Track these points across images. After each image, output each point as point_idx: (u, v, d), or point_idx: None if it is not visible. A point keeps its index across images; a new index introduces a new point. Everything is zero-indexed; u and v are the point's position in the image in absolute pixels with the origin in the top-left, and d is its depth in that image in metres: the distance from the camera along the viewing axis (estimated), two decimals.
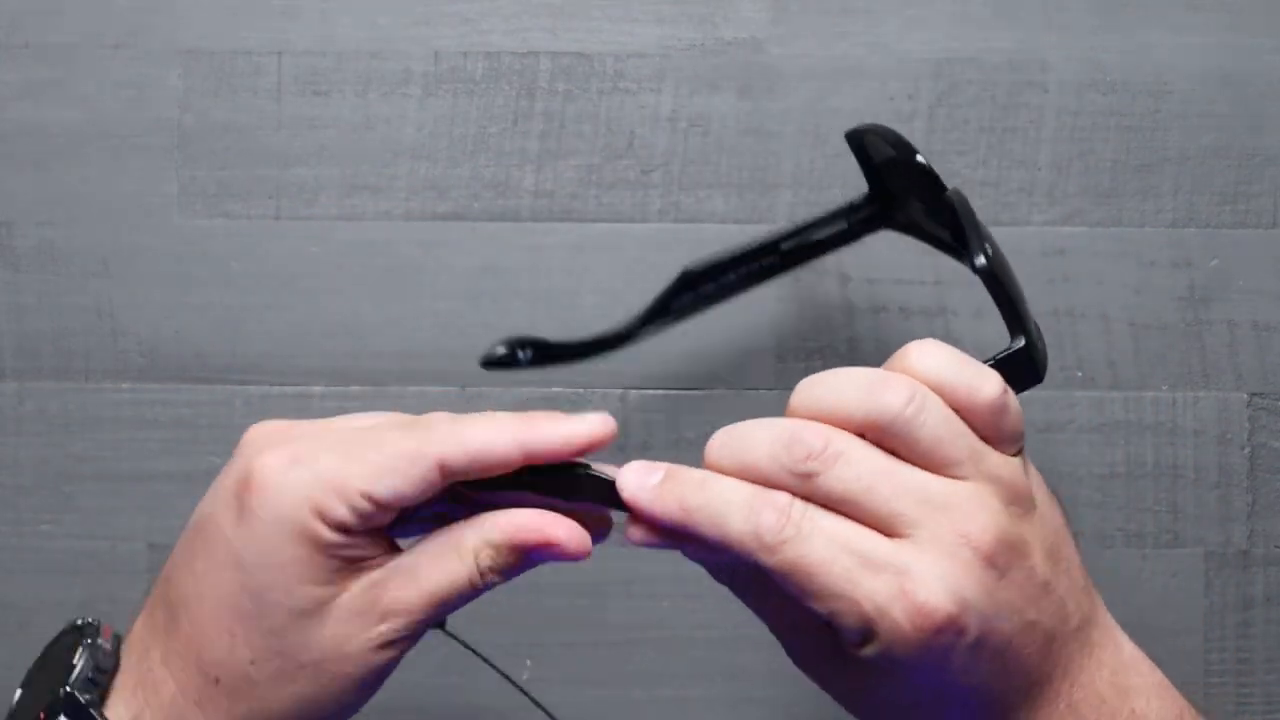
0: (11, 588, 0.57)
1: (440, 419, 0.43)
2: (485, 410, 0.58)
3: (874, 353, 0.58)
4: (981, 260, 0.45)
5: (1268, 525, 0.58)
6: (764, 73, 0.59)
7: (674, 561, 0.58)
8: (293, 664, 0.42)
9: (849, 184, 0.59)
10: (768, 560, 0.40)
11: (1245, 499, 0.58)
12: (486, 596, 0.58)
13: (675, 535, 0.42)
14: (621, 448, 0.58)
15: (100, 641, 0.44)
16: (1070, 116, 0.59)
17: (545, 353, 0.46)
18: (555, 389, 0.58)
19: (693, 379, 0.58)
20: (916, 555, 0.40)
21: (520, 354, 0.45)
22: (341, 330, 0.58)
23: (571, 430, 0.43)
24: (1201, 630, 0.58)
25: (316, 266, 0.58)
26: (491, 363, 0.45)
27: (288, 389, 0.58)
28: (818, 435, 0.41)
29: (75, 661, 0.43)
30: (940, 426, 0.41)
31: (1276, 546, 0.58)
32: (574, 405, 0.58)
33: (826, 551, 0.40)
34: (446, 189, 0.59)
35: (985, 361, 0.43)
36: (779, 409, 0.59)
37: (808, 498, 0.41)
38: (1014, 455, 0.42)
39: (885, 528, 0.40)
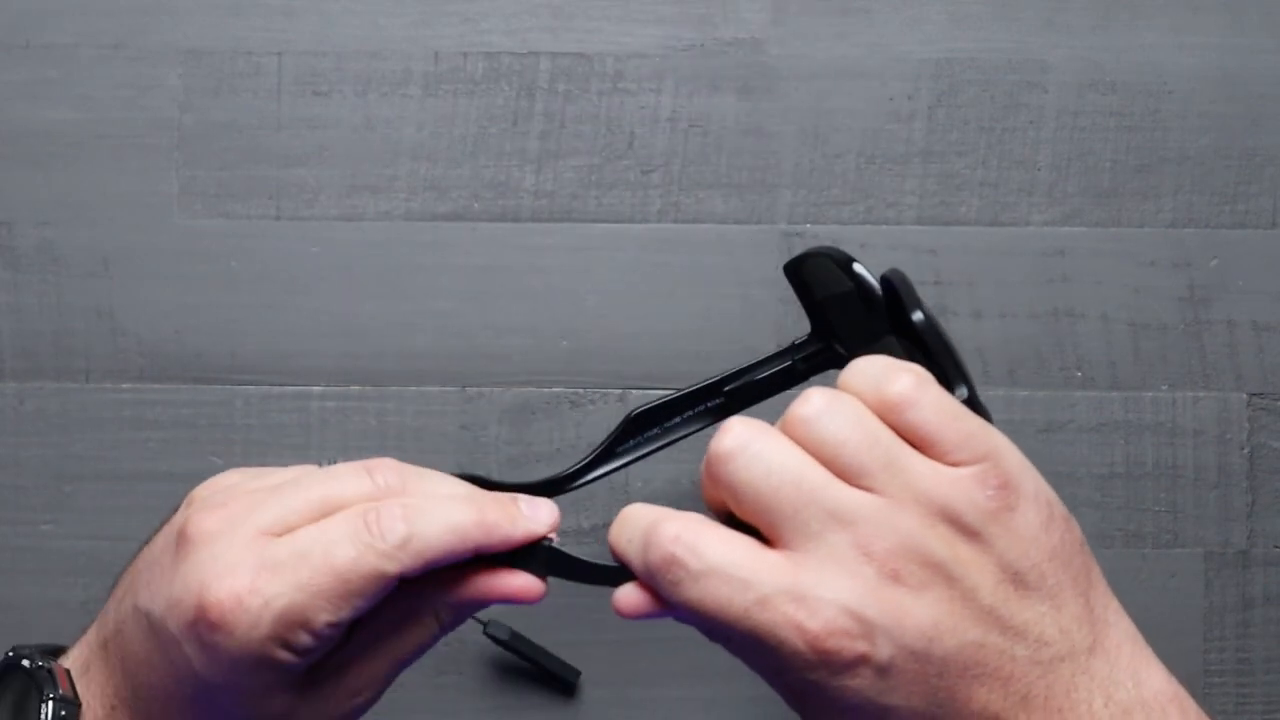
0: (11, 588, 0.57)
1: (394, 526, 0.40)
2: (486, 411, 0.58)
3: None
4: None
5: (1267, 525, 0.58)
6: (764, 73, 0.59)
7: None
8: None
9: (848, 184, 0.59)
10: (671, 600, 0.40)
11: (1245, 499, 0.58)
12: None
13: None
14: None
15: (62, 693, 0.42)
16: (1070, 116, 0.59)
17: (486, 487, 0.45)
18: (556, 389, 0.58)
19: (692, 379, 0.58)
20: (812, 574, 0.38)
21: None
22: (341, 330, 0.58)
23: (527, 530, 0.42)
24: (1201, 630, 0.58)
25: (316, 266, 0.58)
26: None
27: (288, 389, 0.58)
28: (742, 429, 0.40)
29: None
30: (844, 433, 0.39)
31: (1276, 546, 0.58)
32: (574, 405, 0.58)
33: (719, 591, 0.39)
34: (446, 189, 0.59)
35: None
36: (779, 409, 0.59)
37: (716, 500, 0.40)
38: (963, 468, 0.39)
39: (785, 537, 0.39)
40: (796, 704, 0.41)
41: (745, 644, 0.39)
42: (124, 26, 0.59)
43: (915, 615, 0.38)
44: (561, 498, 0.58)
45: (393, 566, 0.40)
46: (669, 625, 0.57)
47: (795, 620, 0.38)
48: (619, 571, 0.41)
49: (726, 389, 0.51)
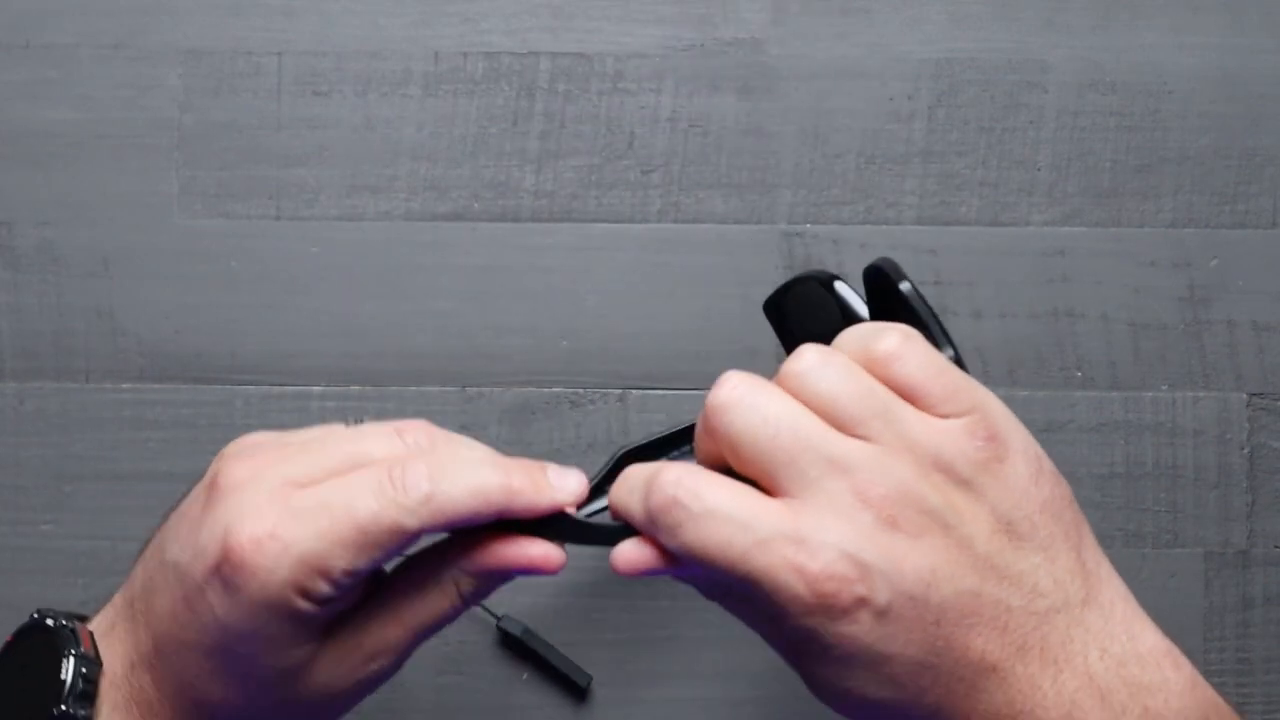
0: (11, 588, 0.57)
1: (418, 482, 0.41)
2: (486, 411, 0.58)
3: None
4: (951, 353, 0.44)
5: (1267, 525, 0.58)
6: (764, 73, 0.59)
7: None
8: (283, 700, 0.43)
9: (848, 184, 0.59)
10: (670, 546, 0.40)
11: (1245, 499, 0.58)
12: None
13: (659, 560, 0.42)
14: (622, 447, 0.58)
15: (84, 651, 0.43)
16: (1070, 116, 0.59)
17: None
18: (556, 389, 0.58)
19: (693, 379, 0.58)
20: (811, 519, 0.39)
21: None
22: (341, 330, 0.58)
23: (552, 500, 0.42)
24: (1201, 630, 0.58)
25: (316, 266, 0.58)
26: None
27: (288, 389, 0.58)
28: (739, 381, 0.40)
29: (64, 676, 0.42)
30: (839, 384, 0.40)
31: (1276, 546, 0.58)
32: (574, 405, 0.58)
33: (719, 533, 0.39)
34: (446, 189, 0.59)
35: None
36: None
37: (712, 454, 0.41)
38: (953, 420, 0.40)
39: (784, 486, 0.39)
40: (794, 656, 0.41)
41: (743, 590, 0.39)
42: (124, 26, 0.59)
43: (913, 561, 0.39)
44: None
45: (413, 521, 0.40)
46: (668, 626, 0.57)
47: (795, 563, 0.38)
48: (623, 530, 0.41)
49: None
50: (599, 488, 0.47)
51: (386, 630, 0.43)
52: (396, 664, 0.44)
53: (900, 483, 0.39)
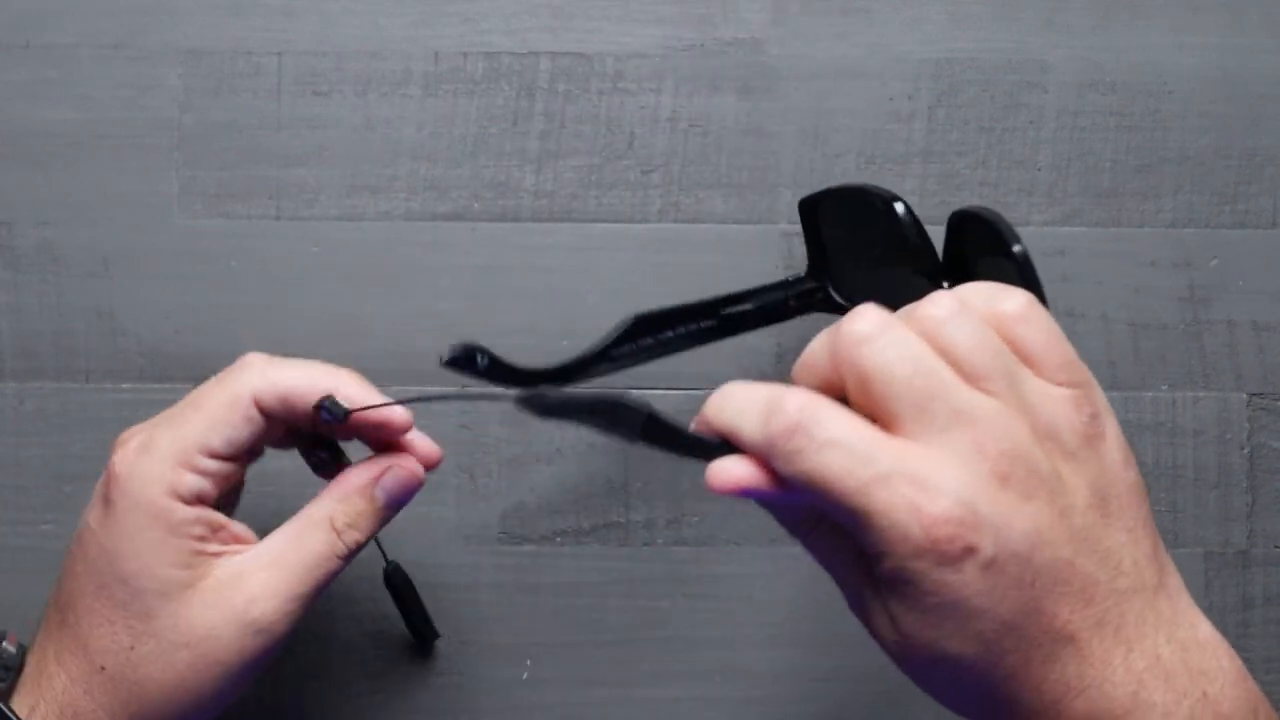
0: (11, 588, 0.57)
1: (253, 359, 0.48)
2: (486, 411, 0.58)
3: None
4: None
5: (1267, 525, 0.58)
6: (764, 73, 0.59)
7: (674, 561, 0.58)
8: (167, 644, 0.45)
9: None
10: (786, 471, 0.39)
11: (1245, 499, 0.58)
12: (486, 597, 0.58)
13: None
14: (621, 448, 0.58)
15: (5, 645, 0.48)
16: (1070, 116, 0.59)
17: (496, 366, 0.46)
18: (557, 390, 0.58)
19: (693, 379, 0.58)
20: (934, 464, 0.38)
21: (479, 358, 0.46)
22: (341, 330, 0.58)
23: (369, 395, 0.47)
24: None
25: (316, 266, 0.58)
26: (452, 363, 0.45)
27: None
28: (879, 315, 0.40)
29: None
30: (973, 338, 0.40)
31: (1276, 546, 0.58)
32: None
33: (840, 463, 0.38)
34: (446, 189, 0.59)
35: None
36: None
37: (828, 383, 0.41)
38: (1064, 389, 0.41)
39: (908, 427, 0.39)
40: (880, 600, 0.41)
41: (849, 523, 0.39)
42: (124, 26, 0.59)
43: (1021, 520, 0.39)
44: (562, 497, 0.58)
45: (245, 388, 0.46)
46: (668, 626, 0.57)
47: (914, 502, 0.38)
48: (716, 447, 0.40)
49: (723, 312, 0.52)
50: (605, 353, 0.48)
51: (263, 573, 0.46)
52: (282, 613, 0.46)
53: (1017, 443, 0.39)
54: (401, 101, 0.59)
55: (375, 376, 0.58)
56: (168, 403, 0.58)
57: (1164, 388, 0.59)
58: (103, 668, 0.46)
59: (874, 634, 0.42)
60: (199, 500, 0.46)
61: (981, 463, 0.39)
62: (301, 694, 0.57)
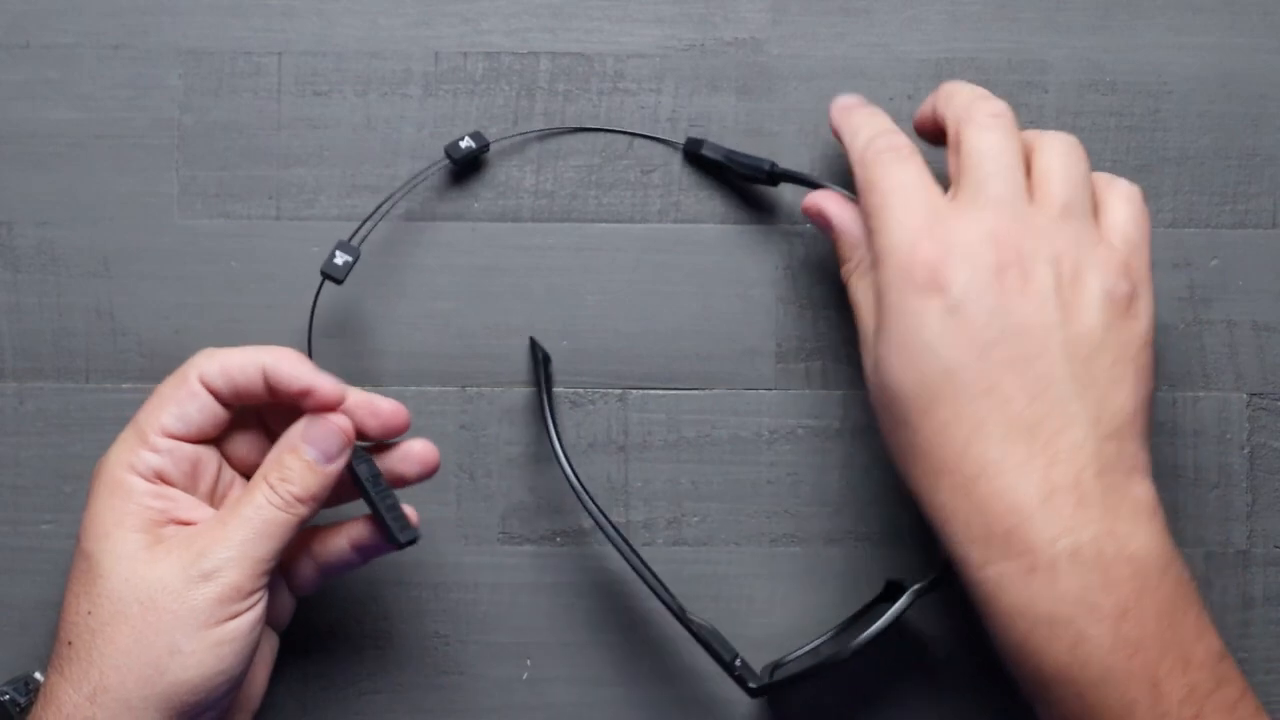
0: (11, 588, 0.57)
1: (204, 350, 0.50)
2: (486, 411, 0.58)
3: None
4: None
5: (1267, 525, 0.58)
6: (764, 73, 0.59)
7: (674, 561, 0.58)
8: (120, 603, 0.46)
9: (849, 184, 0.59)
10: (858, 171, 0.51)
11: (1245, 499, 0.58)
12: (486, 597, 0.58)
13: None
14: (621, 448, 0.58)
15: (37, 675, 0.52)
16: (1070, 117, 0.59)
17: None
18: (556, 389, 0.58)
19: (693, 379, 0.58)
20: (956, 223, 0.48)
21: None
22: (342, 330, 0.58)
23: (307, 372, 0.50)
24: None
25: (316, 266, 0.58)
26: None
27: None
28: (997, 110, 0.51)
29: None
30: (1069, 173, 0.50)
31: (1276, 546, 0.58)
32: (573, 405, 0.58)
33: (899, 181, 0.49)
34: (446, 189, 0.59)
35: None
36: (779, 409, 0.59)
37: (935, 125, 0.53)
38: (1119, 254, 0.48)
39: (963, 195, 0.49)
40: (878, 335, 0.49)
41: (876, 228, 0.49)
42: (124, 26, 0.59)
43: (994, 295, 0.47)
44: (562, 497, 0.58)
45: (192, 370, 0.49)
46: (669, 625, 0.57)
47: (917, 234, 0.48)
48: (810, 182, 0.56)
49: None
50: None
51: (212, 529, 0.47)
52: (229, 562, 0.47)
53: (1036, 251, 0.47)
54: (401, 101, 0.59)
55: (375, 376, 0.58)
56: None
57: (1164, 388, 0.59)
58: (69, 643, 0.46)
59: (865, 378, 0.50)
60: (158, 478, 0.49)
61: (991, 249, 0.47)
62: (301, 694, 0.57)
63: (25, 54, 0.59)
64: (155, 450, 0.49)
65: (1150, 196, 0.59)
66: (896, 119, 0.59)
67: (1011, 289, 0.46)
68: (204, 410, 0.49)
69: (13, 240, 0.58)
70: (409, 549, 0.51)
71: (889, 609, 0.51)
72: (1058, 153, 0.49)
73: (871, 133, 0.52)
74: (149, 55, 0.59)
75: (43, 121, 0.58)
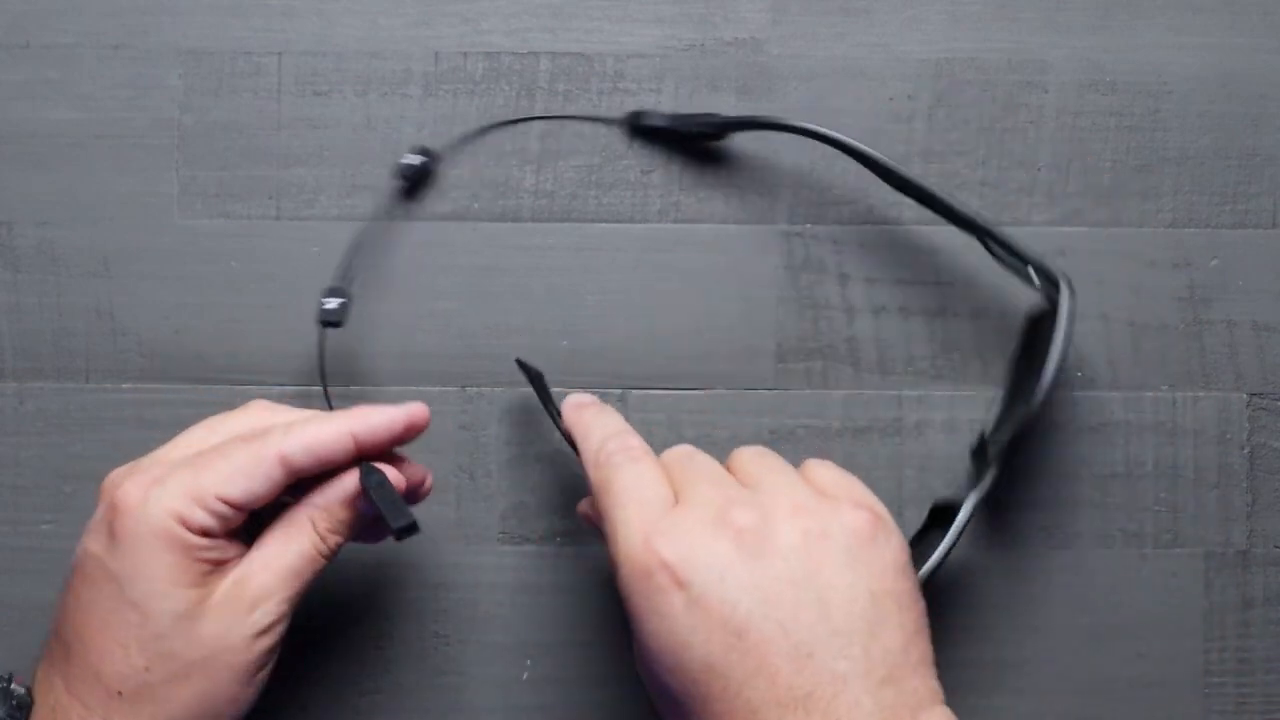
0: (11, 588, 0.57)
1: (274, 425, 0.49)
2: (486, 411, 0.58)
3: (873, 353, 0.58)
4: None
5: (1267, 525, 0.58)
6: (764, 73, 0.59)
7: None
8: (183, 663, 0.47)
9: (848, 184, 0.59)
10: (591, 473, 0.49)
11: (1245, 499, 0.58)
12: (486, 597, 0.58)
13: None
14: None
15: (14, 686, 0.48)
16: (1070, 116, 0.59)
17: None
18: (555, 389, 0.58)
19: (693, 379, 0.58)
20: (683, 518, 0.46)
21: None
22: (342, 330, 0.58)
23: (392, 416, 0.50)
24: (1201, 630, 0.58)
25: (316, 266, 0.58)
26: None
27: (288, 389, 0.58)
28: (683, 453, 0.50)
29: None
30: (753, 462, 0.50)
31: (1276, 546, 0.58)
32: None
33: (630, 482, 0.48)
34: (446, 189, 0.59)
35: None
36: (779, 409, 0.59)
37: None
38: (850, 504, 0.47)
39: (684, 494, 0.47)
40: (637, 651, 0.47)
41: (608, 529, 0.47)
42: (124, 26, 0.59)
43: (741, 572, 0.45)
44: (562, 497, 0.58)
45: (274, 449, 0.47)
46: None
47: (648, 538, 0.46)
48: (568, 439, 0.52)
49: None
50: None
51: (262, 576, 0.48)
52: (280, 613, 0.48)
53: (761, 513, 0.46)
54: (401, 101, 0.59)
55: (375, 377, 0.58)
56: (168, 403, 0.58)
57: (1164, 388, 0.59)
58: (120, 693, 0.46)
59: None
60: (204, 533, 0.47)
61: (725, 528, 0.45)
62: (302, 694, 0.57)
63: (25, 54, 0.59)
64: (212, 513, 0.47)
65: (1150, 196, 0.59)
66: (896, 119, 0.59)
67: (752, 555, 0.45)
68: (272, 487, 0.48)
69: (13, 240, 0.58)
70: (408, 541, 0.51)
71: (942, 536, 0.51)
72: (748, 455, 0.50)
73: (603, 434, 0.50)
74: (149, 55, 0.59)
75: (43, 121, 0.58)
